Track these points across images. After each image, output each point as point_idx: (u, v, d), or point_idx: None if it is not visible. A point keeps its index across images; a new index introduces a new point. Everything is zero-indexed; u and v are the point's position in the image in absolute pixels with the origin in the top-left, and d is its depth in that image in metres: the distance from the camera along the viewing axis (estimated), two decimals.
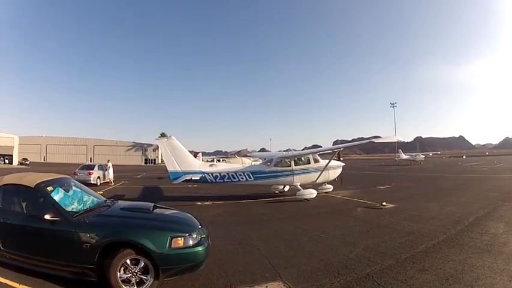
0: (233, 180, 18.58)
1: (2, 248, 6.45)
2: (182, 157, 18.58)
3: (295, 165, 19.27)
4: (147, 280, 5.83)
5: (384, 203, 15.38)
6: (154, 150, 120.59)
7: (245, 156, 56.59)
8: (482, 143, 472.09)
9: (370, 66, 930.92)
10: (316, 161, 19.91)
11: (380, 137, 23.27)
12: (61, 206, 6.49)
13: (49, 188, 6.92)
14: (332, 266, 7.28)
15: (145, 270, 5.85)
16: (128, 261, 5.79)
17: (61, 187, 7.30)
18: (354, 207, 15.62)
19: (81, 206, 7.04)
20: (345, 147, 24.10)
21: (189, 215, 7.67)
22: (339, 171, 20.94)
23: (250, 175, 18.66)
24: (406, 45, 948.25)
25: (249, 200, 18.92)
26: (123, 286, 5.74)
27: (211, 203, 17.84)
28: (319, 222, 12.58)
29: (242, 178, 18.58)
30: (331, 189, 20.88)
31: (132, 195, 21.55)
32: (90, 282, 5.89)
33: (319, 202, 17.49)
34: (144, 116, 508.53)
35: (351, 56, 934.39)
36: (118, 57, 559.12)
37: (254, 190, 20.98)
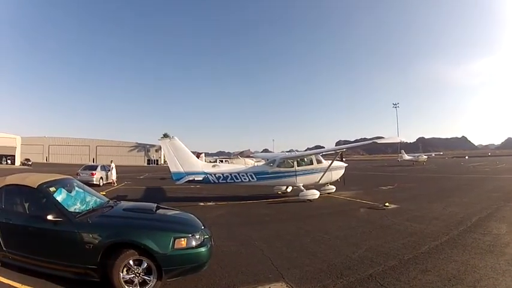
0: (236, 181, 18.57)
1: (4, 248, 6.46)
2: (185, 158, 18.59)
3: (298, 166, 19.23)
4: (149, 281, 5.82)
5: (387, 204, 15.37)
6: (157, 150, 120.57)
7: (248, 156, 56.59)
8: (484, 143, 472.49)
9: (373, 67, 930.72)
10: (318, 161, 19.90)
11: (383, 137, 23.34)
12: (64, 207, 6.50)
13: (52, 189, 6.95)
14: (335, 266, 7.29)
15: (148, 271, 5.84)
16: (131, 262, 5.79)
17: (64, 188, 7.31)
18: (356, 208, 15.61)
19: (84, 206, 7.05)
20: (347, 148, 24.06)
21: (192, 215, 7.67)
22: (342, 172, 20.94)
23: (253, 176, 18.64)
24: (408, 46, 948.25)
25: (251, 200, 18.91)
26: (126, 287, 5.74)
27: (214, 203, 17.84)
28: (322, 223, 12.59)
29: (245, 179, 18.56)
30: (333, 190, 20.86)
31: (134, 195, 21.66)
32: (92, 283, 5.91)
33: (322, 203, 17.46)
34: (146, 117, 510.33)
35: (353, 57, 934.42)
36: (118, 57, 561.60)
37: (257, 191, 20.94)
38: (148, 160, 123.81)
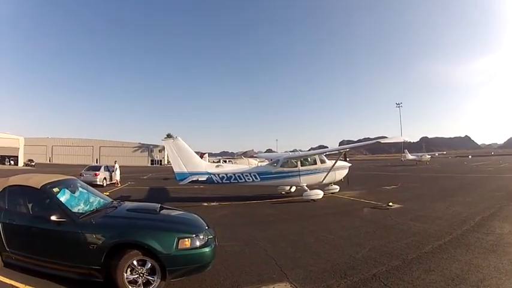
0: (239, 181, 18.59)
1: (7, 248, 6.48)
2: (188, 158, 18.62)
3: (301, 165, 19.27)
4: (153, 281, 5.84)
5: (390, 204, 15.39)
6: (160, 151, 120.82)
7: (251, 157, 56.69)
8: (487, 142, 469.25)
9: (375, 67, 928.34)
10: (322, 161, 19.90)
11: (386, 137, 23.19)
12: (67, 207, 6.53)
13: (55, 189, 6.97)
14: (339, 266, 7.31)
15: (152, 271, 5.87)
16: (135, 262, 5.81)
17: (67, 188, 7.34)
18: (360, 207, 15.63)
19: (88, 207, 7.08)
20: (351, 148, 24.08)
21: (196, 216, 7.68)
22: (346, 171, 20.92)
23: (257, 176, 18.67)
24: (409, 45, 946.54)
25: (255, 200, 18.94)
26: (130, 287, 5.76)
27: (217, 203, 17.88)
28: (326, 223, 12.59)
29: (248, 179, 18.59)
30: (337, 190, 20.86)
31: (138, 196, 21.70)
32: (96, 283, 5.94)
33: (325, 203, 17.49)
34: (146, 117, 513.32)
35: (355, 57, 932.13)
36: (118, 57, 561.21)
37: (260, 191, 20.99)
38: (152, 160, 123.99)
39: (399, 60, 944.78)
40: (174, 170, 18.59)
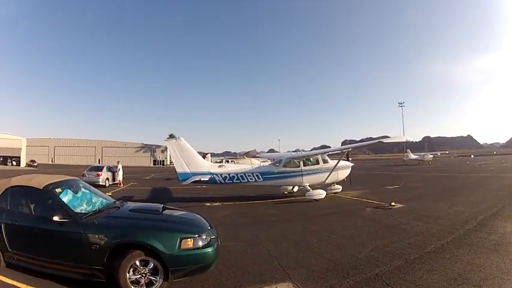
0: (242, 181, 18.62)
1: (9, 249, 6.49)
2: (191, 158, 18.66)
3: (304, 165, 19.26)
4: (156, 281, 5.86)
5: (393, 203, 15.40)
6: (162, 151, 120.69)
7: (254, 157, 56.39)
8: (489, 142, 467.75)
9: (377, 67, 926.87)
10: (325, 161, 19.89)
11: (389, 136, 23.31)
12: (70, 208, 6.55)
13: (58, 190, 7.00)
14: (341, 266, 7.33)
15: (154, 271, 5.88)
16: (137, 263, 5.83)
17: (70, 189, 7.36)
18: (362, 207, 15.63)
19: (90, 207, 7.10)
20: (353, 148, 24.03)
21: (199, 216, 7.70)
22: (348, 171, 20.94)
23: (259, 176, 18.68)
24: (411, 45, 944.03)
25: (258, 200, 18.95)
26: (132, 287, 5.78)
27: (220, 204, 17.89)
28: (328, 222, 12.61)
29: (251, 179, 18.61)
30: (340, 190, 20.89)
31: (141, 196, 21.76)
32: (98, 284, 5.96)
33: (328, 203, 17.48)
34: (150, 117, 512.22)
35: (356, 57, 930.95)
36: (118, 57, 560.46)
37: (263, 191, 20.96)
38: (154, 161, 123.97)
39: (400, 60, 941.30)
40: (177, 170, 18.63)
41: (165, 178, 40.39)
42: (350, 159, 23.38)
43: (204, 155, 34.52)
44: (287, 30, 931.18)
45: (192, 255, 5.99)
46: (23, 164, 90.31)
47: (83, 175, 27.59)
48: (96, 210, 6.98)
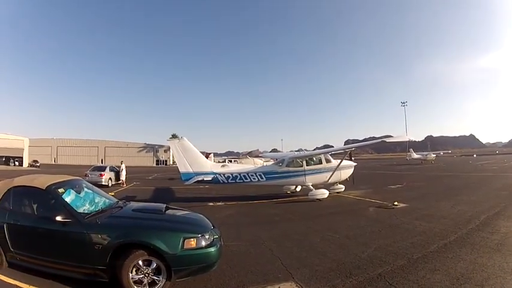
0: (245, 180, 18.60)
1: (12, 249, 6.53)
2: (194, 158, 18.66)
3: (307, 165, 19.25)
4: (159, 281, 5.87)
5: (396, 203, 15.39)
6: (165, 151, 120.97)
7: (257, 156, 56.47)
8: (492, 141, 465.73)
9: (379, 66, 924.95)
10: (328, 161, 19.85)
11: (391, 136, 23.27)
12: (72, 208, 6.55)
13: (60, 190, 7.00)
14: (344, 266, 7.35)
15: (157, 271, 5.90)
16: (140, 262, 5.85)
17: (72, 189, 7.36)
18: (365, 207, 15.66)
19: (93, 207, 7.12)
20: (356, 147, 24.00)
21: (202, 215, 7.71)
22: (351, 171, 20.89)
23: (262, 175, 18.68)
24: (412, 45, 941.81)
25: (261, 200, 18.96)
26: (135, 287, 5.79)
27: (223, 203, 17.93)
28: (331, 222, 12.62)
29: (254, 179, 18.60)
30: (343, 189, 20.85)
31: (143, 196, 21.82)
32: (101, 283, 5.99)
33: (331, 202, 17.51)
34: (152, 117, 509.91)
35: (357, 57, 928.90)
36: (118, 57, 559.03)
37: (266, 191, 21.03)
38: (157, 161, 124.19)
39: (403, 60, 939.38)
40: (180, 170, 18.64)
41: (168, 178, 40.37)
42: (353, 158, 23.41)
43: (206, 155, 34.43)
44: (287, 30, 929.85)
45: (195, 255, 6.00)
46: (25, 164, 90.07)
47: (86, 175, 27.48)
48: (99, 210, 7.00)
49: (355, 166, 21.55)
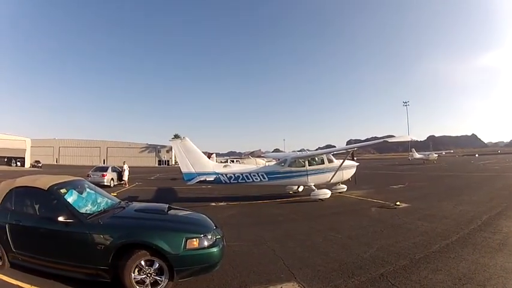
0: (247, 181, 18.63)
1: (13, 249, 6.57)
2: (196, 158, 18.69)
3: (309, 165, 19.24)
4: (161, 281, 5.89)
5: (398, 203, 15.40)
6: (167, 151, 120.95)
7: (259, 156, 56.34)
8: (494, 141, 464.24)
9: (380, 67, 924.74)
10: (330, 161, 19.85)
11: (394, 136, 23.19)
12: (75, 208, 6.59)
13: (62, 190, 7.04)
14: (347, 266, 7.36)
15: (159, 271, 5.93)
16: (143, 263, 5.88)
17: (74, 189, 7.40)
18: (368, 207, 15.65)
19: (95, 207, 7.15)
20: (358, 147, 23.94)
21: (204, 216, 7.73)
22: (353, 171, 20.90)
23: (265, 176, 18.70)
24: (414, 45, 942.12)
25: (263, 200, 18.95)
26: (137, 287, 5.81)
27: (225, 203, 17.93)
28: (334, 222, 12.61)
29: (256, 179, 18.61)
30: (345, 189, 20.87)
31: (146, 196, 21.82)
32: (103, 284, 6.02)
33: (333, 202, 17.50)
34: (154, 117, 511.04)
35: (358, 57, 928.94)
36: (118, 57, 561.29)
37: (268, 191, 21.01)
38: (159, 161, 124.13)
39: (404, 59, 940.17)
40: (182, 171, 18.69)
41: (170, 178, 40.40)
42: (355, 158, 23.40)
43: (209, 155, 34.47)
44: (288, 30, 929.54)
45: (198, 255, 6.02)
46: (27, 164, 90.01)
47: (88, 175, 27.51)
48: (101, 210, 7.04)
49: (357, 166, 21.55)
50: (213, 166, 19.34)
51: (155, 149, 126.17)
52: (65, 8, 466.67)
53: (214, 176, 18.21)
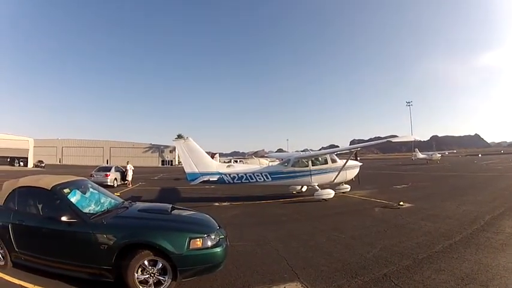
0: (251, 181, 18.62)
1: (16, 249, 6.62)
2: (199, 158, 18.70)
3: (312, 165, 19.23)
4: (164, 281, 5.90)
5: (401, 203, 15.39)
6: (171, 151, 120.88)
7: (262, 156, 56.36)
8: (497, 141, 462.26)
9: (385, 66, 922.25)
10: (333, 161, 19.82)
11: (397, 136, 23.25)
12: (78, 208, 6.61)
13: (66, 190, 7.07)
14: (350, 266, 7.39)
15: (163, 271, 5.94)
16: (146, 262, 5.89)
17: (78, 189, 7.42)
18: (371, 207, 15.67)
19: (99, 207, 7.18)
20: (362, 147, 23.91)
21: (207, 216, 7.74)
22: (357, 171, 20.87)
23: (268, 176, 18.69)
24: (416, 44, 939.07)
25: (266, 200, 18.99)
26: (141, 287, 5.84)
27: (229, 204, 17.99)
28: (337, 222, 12.62)
29: (260, 179, 18.60)
30: (348, 189, 20.82)
31: (149, 196, 21.92)
32: (106, 283, 6.04)
33: (336, 202, 17.52)
34: (156, 117, 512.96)
35: (360, 57, 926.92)
36: (118, 57, 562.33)
37: (272, 191, 21.01)
38: (163, 161, 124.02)
39: (407, 59, 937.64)
40: (185, 171, 18.69)
41: (173, 178, 40.40)
42: (358, 158, 23.37)
43: (212, 155, 34.46)
44: (288, 31, 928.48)
45: (201, 255, 6.04)
46: (30, 164, 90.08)
47: (91, 175, 27.71)
48: (104, 210, 7.07)
49: (360, 166, 21.50)
50: (217, 166, 19.34)
51: (158, 149, 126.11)
52: (65, 8, 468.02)
53: (218, 176, 18.23)
